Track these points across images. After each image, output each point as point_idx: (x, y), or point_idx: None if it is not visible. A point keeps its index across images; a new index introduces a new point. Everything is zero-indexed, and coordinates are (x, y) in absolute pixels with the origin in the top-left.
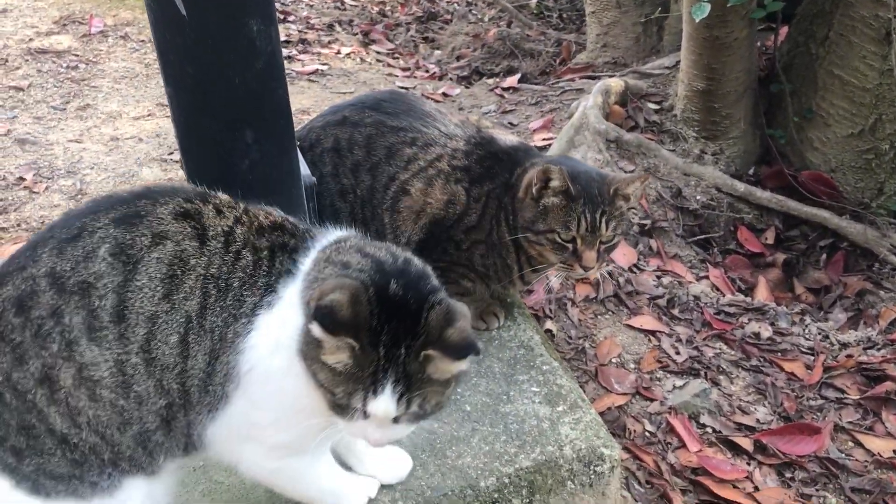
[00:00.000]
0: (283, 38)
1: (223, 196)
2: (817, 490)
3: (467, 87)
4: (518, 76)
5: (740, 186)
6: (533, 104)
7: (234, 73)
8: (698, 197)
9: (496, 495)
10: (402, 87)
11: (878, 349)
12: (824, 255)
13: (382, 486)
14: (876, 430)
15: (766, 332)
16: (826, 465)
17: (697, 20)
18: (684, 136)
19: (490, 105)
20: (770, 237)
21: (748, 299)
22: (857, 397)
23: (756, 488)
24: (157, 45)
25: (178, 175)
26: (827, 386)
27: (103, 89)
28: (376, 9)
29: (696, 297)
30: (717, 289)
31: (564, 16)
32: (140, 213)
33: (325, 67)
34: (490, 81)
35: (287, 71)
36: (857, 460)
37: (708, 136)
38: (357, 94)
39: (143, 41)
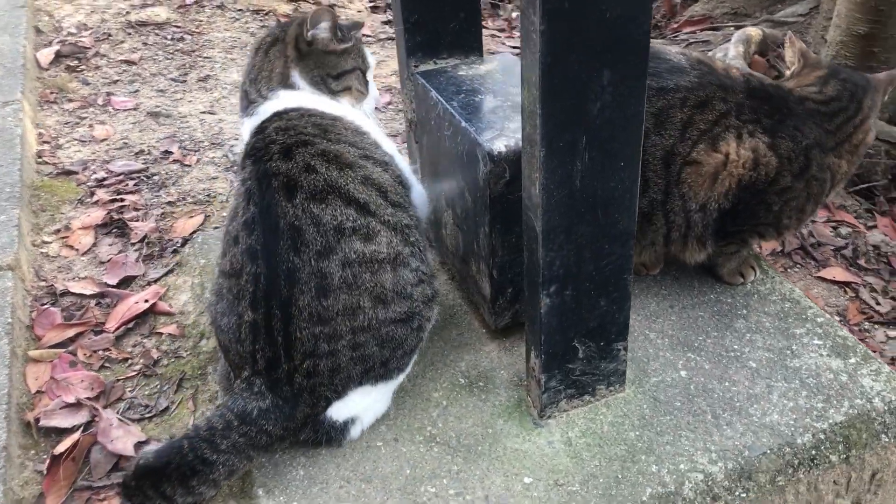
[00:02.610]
0: (372, 4)
1: None
2: None
3: None
4: None
5: None
6: None
7: (606, 6)
8: None
9: (813, 452)
10: (513, 49)
11: None
12: None
13: (701, 446)
14: None
15: None
16: None
17: None
18: None
19: None
20: None
21: None
22: None
23: None
24: None
25: None
26: None
27: (217, 59)
28: None
29: (876, 247)
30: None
31: None
32: None
33: None
34: None
35: (393, 35)
36: None
37: None
38: None
39: (240, 10)
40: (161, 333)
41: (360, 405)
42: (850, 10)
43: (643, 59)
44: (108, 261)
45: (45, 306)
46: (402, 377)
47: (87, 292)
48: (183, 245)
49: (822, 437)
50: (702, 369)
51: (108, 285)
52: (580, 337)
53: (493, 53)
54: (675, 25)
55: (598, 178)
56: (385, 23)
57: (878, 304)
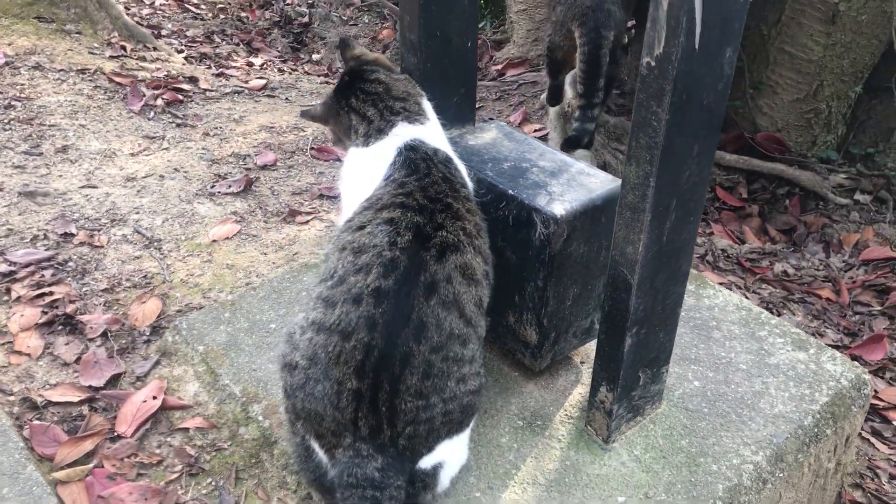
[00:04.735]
0: (183, 55)
1: None
2: None
3: None
4: None
5: None
6: (496, 99)
7: (705, 94)
8: None
9: (816, 430)
10: None
11: (857, 268)
12: (788, 201)
13: (741, 441)
14: None
15: (791, 269)
16: None
17: None
18: None
19: None
20: (743, 192)
21: (762, 246)
22: (881, 308)
23: (875, 391)
24: (646, 72)
25: (234, 207)
26: (855, 303)
27: (66, 127)
28: (222, 15)
29: (724, 250)
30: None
31: None
32: None
33: (263, 81)
34: None
35: (237, 88)
36: None
37: None
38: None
39: (62, 70)
40: (186, 429)
41: (443, 454)
42: None
43: (718, 131)
44: (77, 361)
45: (39, 422)
46: (468, 429)
47: (74, 399)
48: (153, 334)
49: (819, 416)
50: (708, 377)
51: (95, 388)
52: (643, 367)
53: (485, 122)
54: (499, 67)
55: (677, 232)
56: (217, 75)
57: (747, 298)
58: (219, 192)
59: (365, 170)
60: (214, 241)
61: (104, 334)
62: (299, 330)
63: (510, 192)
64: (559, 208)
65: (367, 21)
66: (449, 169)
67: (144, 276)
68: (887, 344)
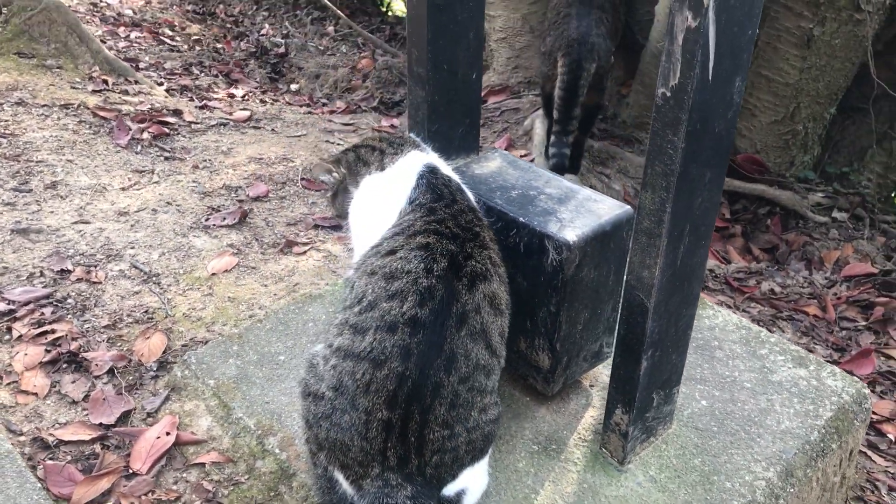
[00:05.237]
0: (164, 87)
1: None
2: None
3: (398, 117)
4: None
5: None
6: (481, 126)
7: (717, 122)
8: None
9: (822, 445)
10: (346, 124)
11: (840, 284)
12: (769, 221)
13: (751, 458)
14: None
15: (777, 287)
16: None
17: None
18: (637, 139)
19: None
20: (726, 213)
21: (748, 265)
22: (866, 323)
23: None
24: (666, 103)
25: (230, 240)
26: (841, 319)
27: (54, 163)
28: (197, 47)
29: (711, 270)
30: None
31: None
32: None
33: (248, 113)
34: None
35: (222, 119)
36: None
37: None
38: (309, 135)
39: (46, 105)
40: (202, 464)
41: (465, 481)
42: (651, 82)
43: (727, 158)
44: (85, 399)
45: (53, 462)
46: (487, 456)
47: (85, 438)
48: (160, 369)
49: (824, 431)
50: (715, 396)
51: (106, 426)
52: (656, 388)
53: (488, 150)
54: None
55: (690, 256)
56: (201, 107)
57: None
58: (213, 225)
59: (385, 194)
60: (213, 274)
61: (110, 371)
62: (322, 359)
63: (521, 219)
64: (571, 234)
65: (344, 51)
66: (465, 197)
67: (146, 312)
68: (875, 358)
